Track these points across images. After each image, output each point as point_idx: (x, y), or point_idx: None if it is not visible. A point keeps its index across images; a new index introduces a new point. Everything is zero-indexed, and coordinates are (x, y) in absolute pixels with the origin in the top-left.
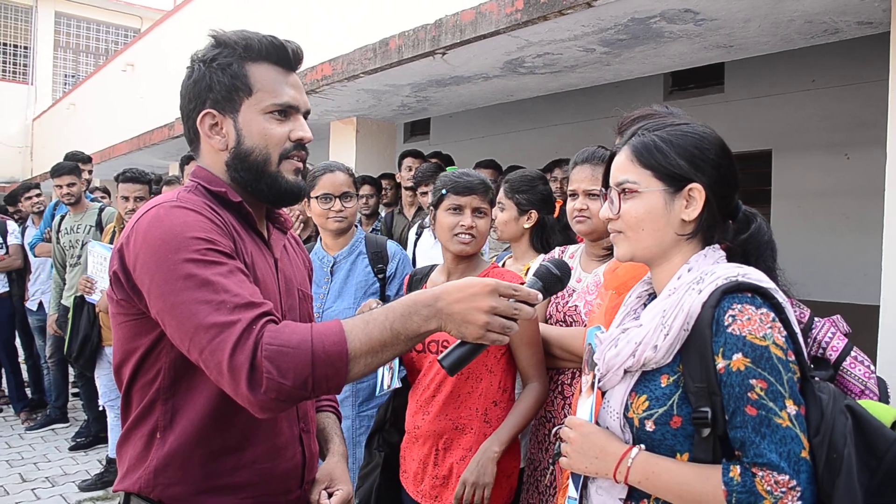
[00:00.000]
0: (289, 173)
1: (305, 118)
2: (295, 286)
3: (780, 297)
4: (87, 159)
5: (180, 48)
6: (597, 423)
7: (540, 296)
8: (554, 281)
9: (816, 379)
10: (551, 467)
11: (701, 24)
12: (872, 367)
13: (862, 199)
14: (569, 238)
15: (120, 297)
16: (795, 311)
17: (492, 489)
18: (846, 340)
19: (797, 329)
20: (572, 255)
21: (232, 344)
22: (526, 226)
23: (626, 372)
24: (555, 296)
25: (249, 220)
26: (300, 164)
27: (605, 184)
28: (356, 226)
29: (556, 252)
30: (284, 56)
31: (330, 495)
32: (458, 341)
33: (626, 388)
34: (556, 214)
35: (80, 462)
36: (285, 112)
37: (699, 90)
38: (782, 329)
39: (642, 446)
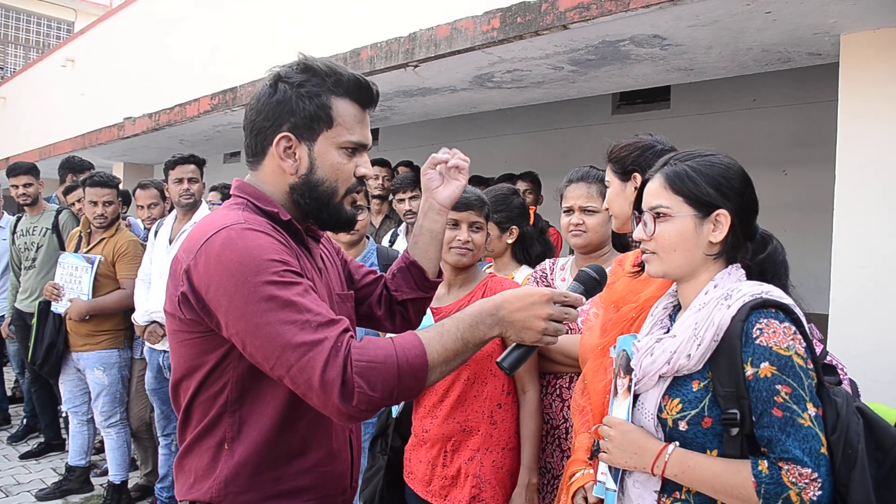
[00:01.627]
0: (348, 205)
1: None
2: (334, 291)
3: (799, 311)
4: (88, 165)
5: (126, 46)
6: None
7: (584, 299)
8: (594, 284)
9: (828, 384)
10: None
11: (667, 48)
12: (846, 370)
13: (799, 213)
14: (546, 243)
15: (189, 317)
16: None
17: (495, 487)
18: (822, 346)
19: (812, 338)
20: (563, 266)
21: (323, 361)
22: (509, 241)
23: (660, 378)
24: None
25: (299, 237)
26: (357, 198)
27: (639, 208)
28: (367, 237)
29: (546, 265)
30: (367, 96)
31: None
32: (514, 344)
33: (659, 392)
34: (531, 222)
35: (32, 471)
36: (356, 149)
37: (646, 105)
38: (802, 340)
39: (677, 443)
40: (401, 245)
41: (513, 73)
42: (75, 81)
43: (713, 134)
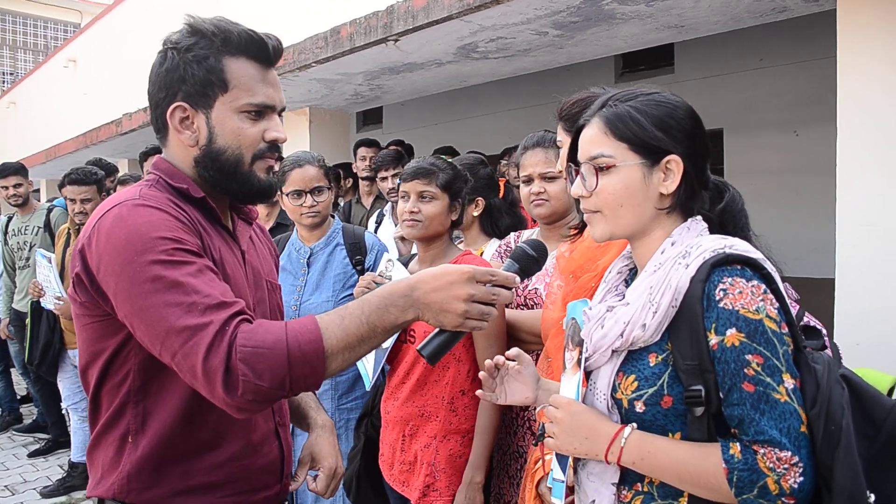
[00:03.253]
0: (261, 172)
1: (280, 115)
2: (263, 277)
3: (769, 266)
4: (114, 169)
5: (125, 42)
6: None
7: (517, 279)
8: (531, 262)
9: (808, 349)
10: (528, 452)
11: (652, 4)
12: (825, 332)
13: (811, 174)
14: (516, 216)
15: (84, 300)
16: None
17: (451, 477)
18: (798, 307)
19: (788, 299)
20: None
21: (205, 347)
22: (475, 214)
23: (613, 352)
24: None
25: (214, 215)
26: (273, 163)
27: (574, 160)
28: (332, 216)
29: (511, 237)
30: (264, 52)
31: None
32: (437, 329)
33: (612, 368)
34: (500, 194)
35: (40, 469)
36: (260, 111)
37: (649, 71)
38: (774, 300)
39: (635, 425)
40: (387, 227)
41: (497, 42)
42: (78, 81)
43: (720, 97)
